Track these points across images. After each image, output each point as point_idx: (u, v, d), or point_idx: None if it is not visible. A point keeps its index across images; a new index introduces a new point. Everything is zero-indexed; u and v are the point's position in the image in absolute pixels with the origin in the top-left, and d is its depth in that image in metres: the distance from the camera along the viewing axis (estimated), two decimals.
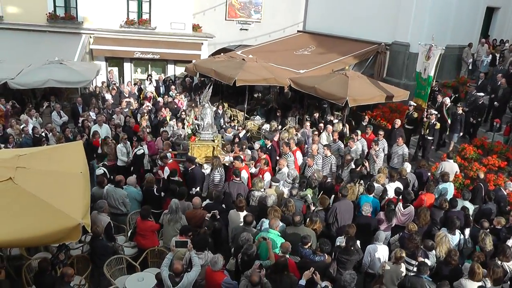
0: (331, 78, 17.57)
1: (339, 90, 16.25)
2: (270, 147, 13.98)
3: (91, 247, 9.22)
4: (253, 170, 12.51)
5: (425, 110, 15.86)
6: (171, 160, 12.40)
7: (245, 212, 9.55)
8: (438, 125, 15.21)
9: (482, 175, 12.63)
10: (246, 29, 27.21)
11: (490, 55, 20.99)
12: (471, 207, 11.06)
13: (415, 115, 16.25)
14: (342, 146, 14.51)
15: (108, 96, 19.64)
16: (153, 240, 9.69)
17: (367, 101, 16.60)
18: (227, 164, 12.52)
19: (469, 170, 13.86)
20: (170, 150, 13.33)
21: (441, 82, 21.55)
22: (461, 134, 15.85)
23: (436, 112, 15.51)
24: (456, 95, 17.94)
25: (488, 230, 9.82)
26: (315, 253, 8.25)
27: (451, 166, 13.25)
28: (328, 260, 8.32)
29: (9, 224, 6.73)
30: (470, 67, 21.76)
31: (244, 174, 11.72)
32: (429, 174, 13.20)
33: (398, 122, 15.39)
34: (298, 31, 28.05)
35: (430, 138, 15.21)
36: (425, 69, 16.02)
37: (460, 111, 15.55)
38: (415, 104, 16.45)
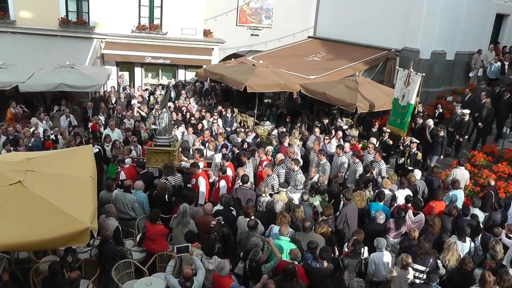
0: (341, 84, 17.54)
1: (349, 96, 16.22)
2: (235, 155, 13.76)
3: (99, 251, 9.24)
4: (212, 178, 12.23)
5: (402, 138, 15.18)
6: (128, 165, 12.31)
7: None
8: (419, 155, 14.45)
9: (492, 183, 12.52)
10: (257, 35, 27.28)
11: (499, 62, 20.85)
12: (481, 215, 10.98)
13: (390, 142, 15.57)
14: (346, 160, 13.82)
15: (134, 101, 19.89)
16: (162, 245, 9.69)
17: (377, 107, 16.51)
18: (184, 170, 12.40)
19: (479, 177, 13.77)
20: (131, 155, 13.32)
21: (451, 88, 21.53)
22: (442, 157, 15.18)
23: (417, 141, 14.76)
24: (440, 111, 17.46)
25: (500, 238, 9.75)
26: (315, 260, 8.22)
27: (462, 173, 13.16)
28: (328, 267, 8.25)
29: (18, 227, 6.76)
30: (479, 74, 21.63)
31: (202, 181, 11.62)
32: (439, 181, 13.10)
33: (374, 141, 15.03)
34: (309, 36, 28.07)
35: (410, 168, 14.15)
36: (403, 96, 15.01)
37: (441, 133, 14.94)
38: (388, 131, 15.72)
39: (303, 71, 20.63)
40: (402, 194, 11.49)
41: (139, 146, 14.05)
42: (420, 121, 16.10)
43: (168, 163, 11.86)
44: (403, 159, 14.63)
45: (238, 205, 10.74)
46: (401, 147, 14.93)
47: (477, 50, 21.80)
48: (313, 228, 9.22)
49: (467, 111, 15.71)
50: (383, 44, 22.28)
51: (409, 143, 14.59)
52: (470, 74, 22.18)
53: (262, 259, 8.16)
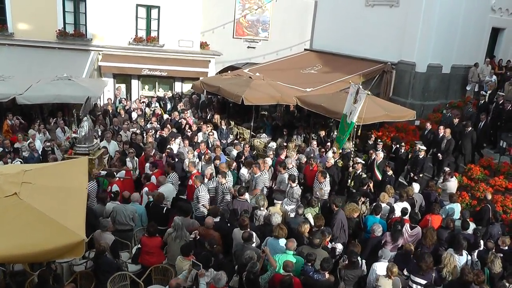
0: (338, 96, 17.57)
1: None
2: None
3: (95, 263, 9.19)
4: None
5: (351, 158, 14.63)
6: None
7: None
8: (364, 176, 13.72)
9: (489, 196, 12.56)
10: (254, 47, 27.38)
11: (494, 76, 20.93)
12: (472, 226, 11.00)
13: (340, 163, 14.70)
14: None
15: (134, 115, 19.94)
16: (160, 257, 9.70)
17: (373, 119, 16.46)
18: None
19: (476, 191, 13.78)
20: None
21: (447, 102, 21.60)
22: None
23: (362, 161, 14.46)
24: (398, 146, 16.19)
25: (494, 249, 9.77)
26: (317, 272, 8.19)
27: (454, 185, 13.43)
28: (329, 279, 8.25)
29: (13, 240, 6.71)
30: (476, 89, 21.70)
31: (116, 188, 11.76)
32: (436, 195, 13.12)
33: (331, 161, 14.21)
34: (305, 49, 28.22)
35: (354, 191, 13.27)
36: (351, 113, 14.45)
37: (389, 172, 13.89)
38: (336, 150, 15.26)
39: (300, 83, 20.68)
40: (399, 207, 11.50)
41: (136, 158, 14.02)
42: (373, 155, 15.10)
43: None
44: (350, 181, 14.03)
45: (235, 217, 10.73)
46: (350, 168, 14.28)
47: (474, 64, 21.90)
48: (321, 244, 9.14)
49: (423, 147, 15.21)
50: (379, 57, 22.39)
51: (354, 164, 14.13)
52: (467, 88, 22.26)
53: (254, 260, 8.17)
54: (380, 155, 14.65)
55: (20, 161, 13.63)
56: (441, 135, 15.81)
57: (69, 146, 14.74)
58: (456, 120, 16.93)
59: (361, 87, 14.58)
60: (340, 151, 15.51)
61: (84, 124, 12.65)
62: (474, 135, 15.91)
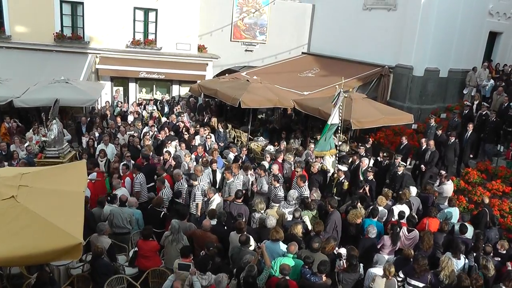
0: None
1: (343, 113, 16.21)
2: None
3: (92, 266, 9.18)
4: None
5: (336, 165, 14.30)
6: None
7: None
8: (346, 184, 13.34)
9: (487, 200, 12.56)
10: (251, 50, 27.42)
11: (492, 80, 20.96)
12: (470, 229, 11.01)
13: (325, 167, 14.57)
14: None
15: (130, 118, 19.97)
16: (156, 261, 9.65)
17: (371, 123, 16.47)
18: None
19: (473, 195, 13.80)
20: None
21: (444, 106, 21.63)
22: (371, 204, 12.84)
23: (344, 169, 13.97)
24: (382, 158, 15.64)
25: (492, 254, 9.78)
26: (314, 274, 8.18)
27: (450, 187, 13.43)
28: (326, 282, 8.24)
29: (10, 242, 6.69)
30: (472, 93, 21.71)
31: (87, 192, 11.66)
32: (433, 198, 13.13)
33: (316, 166, 14.06)
34: (303, 52, 28.28)
35: (337, 198, 12.68)
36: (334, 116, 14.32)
37: (370, 177, 13.44)
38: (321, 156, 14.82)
39: (297, 87, 20.69)
40: (398, 209, 11.53)
41: (132, 161, 14.00)
42: (356, 160, 14.99)
43: None
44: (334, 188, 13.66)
45: (232, 220, 10.71)
46: (335, 174, 13.84)
47: (472, 68, 21.95)
48: (320, 248, 9.07)
49: (403, 163, 14.56)
50: (377, 61, 22.44)
51: (336, 171, 13.83)
52: (464, 91, 22.30)
53: (251, 262, 8.20)
54: (365, 162, 14.48)
55: None
56: (423, 147, 15.54)
57: (39, 150, 14.67)
58: (439, 132, 16.77)
59: (342, 90, 14.41)
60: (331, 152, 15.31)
61: (53, 127, 12.51)
62: (457, 147, 15.77)
